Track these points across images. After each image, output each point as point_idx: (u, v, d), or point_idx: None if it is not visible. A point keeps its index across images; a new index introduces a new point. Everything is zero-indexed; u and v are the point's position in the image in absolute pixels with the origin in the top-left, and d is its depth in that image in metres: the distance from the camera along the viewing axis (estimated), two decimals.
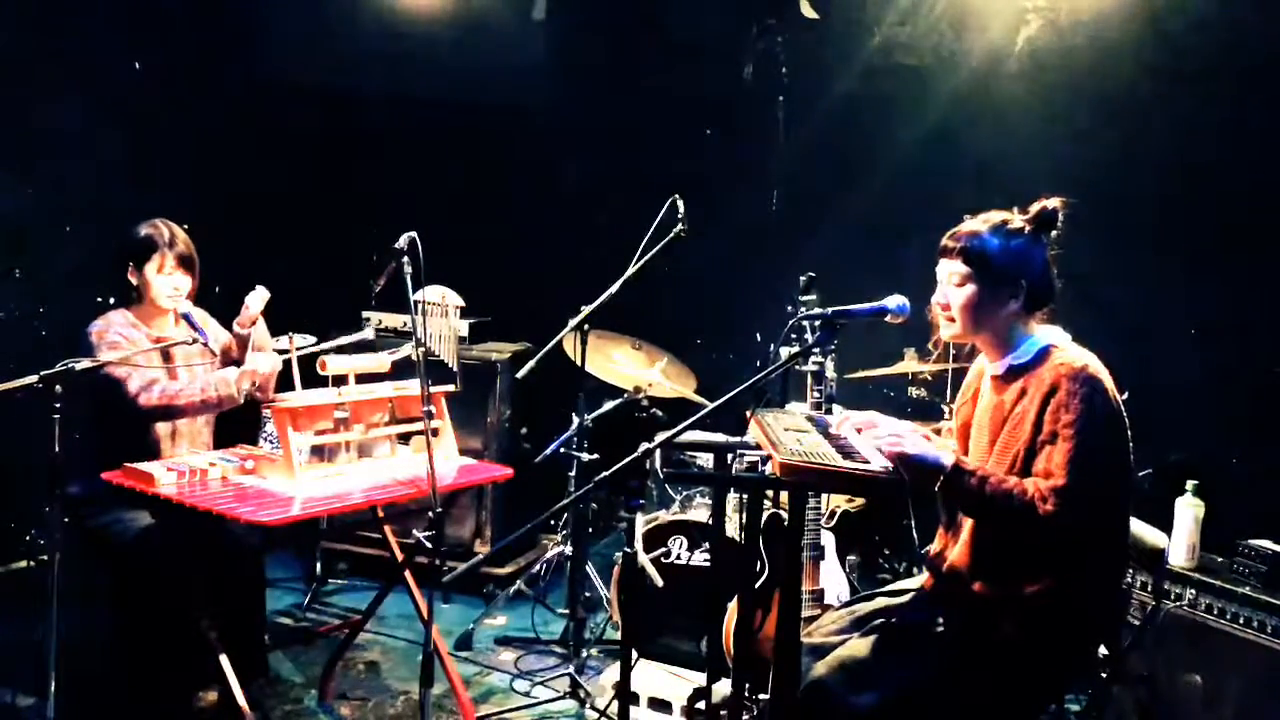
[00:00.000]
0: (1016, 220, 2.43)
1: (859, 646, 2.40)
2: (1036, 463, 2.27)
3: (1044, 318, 2.45)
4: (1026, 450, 2.30)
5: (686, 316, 5.07)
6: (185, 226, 3.42)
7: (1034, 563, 2.31)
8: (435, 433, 3.10)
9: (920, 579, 2.66)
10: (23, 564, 4.22)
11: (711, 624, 3.24)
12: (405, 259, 2.96)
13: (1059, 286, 2.44)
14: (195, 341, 3.23)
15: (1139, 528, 2.68)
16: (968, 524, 2.43)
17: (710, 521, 3.65)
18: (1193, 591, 3.25)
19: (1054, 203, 2.42)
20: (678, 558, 3.79)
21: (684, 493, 4.04)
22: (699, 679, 3.56)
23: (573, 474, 4.05)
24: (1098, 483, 2.22)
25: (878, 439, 2.33)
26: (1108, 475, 2.25)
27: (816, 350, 3.00)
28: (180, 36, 4.68)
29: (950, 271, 2.42)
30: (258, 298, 3.34)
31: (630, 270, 3.68)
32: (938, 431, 2.76)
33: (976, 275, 2.39)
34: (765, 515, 2.70)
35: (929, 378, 4.31)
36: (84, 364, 2.98)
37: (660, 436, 2.51)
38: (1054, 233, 2.43)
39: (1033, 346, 2.39)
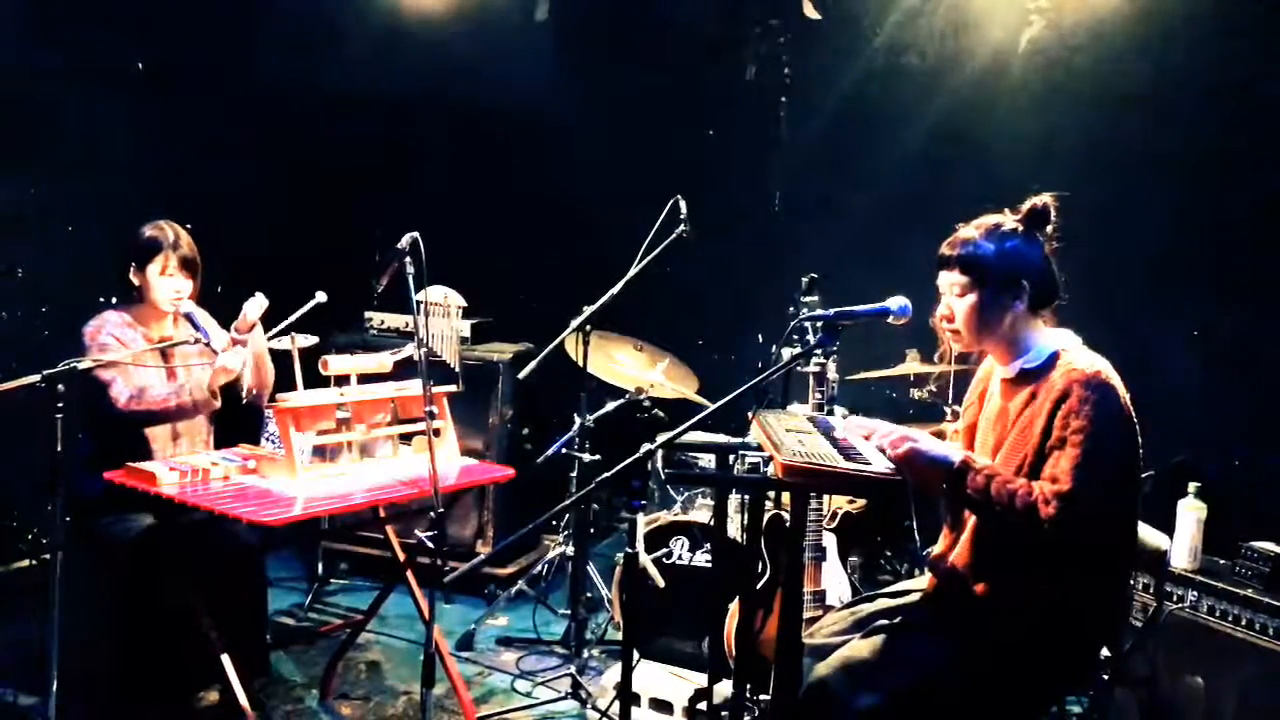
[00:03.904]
0: (1009, 221, 2.42)
1: (860, 647, 2.40)
2: (1045, 468, 2.26)
3: (1053, 318, 2.44)
4: (1035, 455, 2.29)
5: (688, 317, 5.07)
6: (188, 226, 3.43)
7: (1037, 565, 2.31)
8: (437, 433, 3.10)
9: (922, 580, 2.66)
10: (25, 563, 4.23)
11: (713, 625, 3.24)
12: (407, 259, 2.97)
13: (1063, 281, 2.44)
14: (197, 341, 3.24)
15: (1141, 530, 2.67)
16: (970, 525, 2.43)
17: (712, 522, 3.65)
18: (1195, 593, 3.25)
19: (1044, 199, 2.41)
20: (679, 558, 3.79)
21: (685, 493, 4.05)
22: (700, 680, 3.56)
23: (574, 474, 4.05)
24: (1103, 490, 2.21)
25: (885, 438, 2.33)
26: (1115, 482, 2.24)
27: (818, 351, 2.99)
28: (183, 37, 4.68)
29: (950, 283, 2.42)
30: (255, 305, 3.33)
31: (632, 271, 3.69)
32: (940, 434, 2.76)
33: (976, 283, 2.38)
34: (767, 516, 2.70)
35: (932, 384, 4.31)
36: (85, 363, 2.99)
37: (662, 437, 2.51)
38: (1049, 228, 2.43)
39: (1043, 351, 2.38)
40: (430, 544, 2.82)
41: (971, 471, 2.25)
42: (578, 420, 3.91)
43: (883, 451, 2.30)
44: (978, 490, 2.24)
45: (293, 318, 3.36)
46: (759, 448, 2.65)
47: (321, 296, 3.39)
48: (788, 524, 2.45)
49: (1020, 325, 2.40)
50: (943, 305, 2.46)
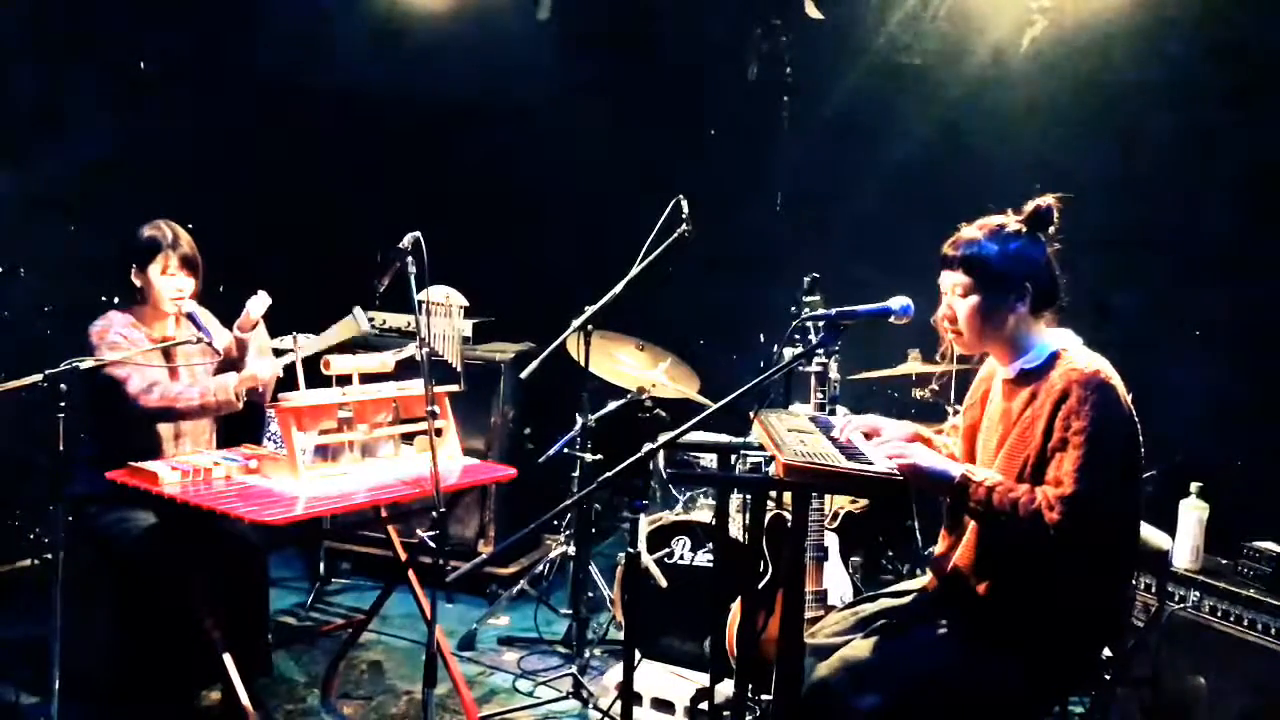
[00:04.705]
0: (1012, 222, 2.41)
1: (862, 647, 2.40)
2: (1048, 470, 2.26)
3: (1053, 319, 2.43)
4: (1036, 456, 2.29)
5: (690, 317, 5.07)
6: (189, 226, 3.42)
7: (1038, 564, 2.31)
8: (439, 433, 3.10)
9: (923, 580, 2.66)
10: (27, 562, 4.23)
11: (715, 624, 3.24)
12: (409, 258, 2.96)
13: (1064, 283, 2.43)
14: (200, 341, 3.23)
15: (1143, 530, 2.67)
16: (972, 525, 2.43)
17: (714, 522, 3.65)
18: (1196, 593, 3.25)
19: (1048, 200, 2.41)
20: (681, 558, 3.79)
21: (687, 493, 4.04)
22: (702, 679, 3.56)
23: (576, 474, 4.05)
24: (1106, 490, 2.21)
25: (884, 448, 2.34)
26: (1117, 482, 2.24)
27: (820, 351, 2.99)
28: (184, 35, 4.68)
29: (953, 283, 2.41)
30: (258, 303, 3.33)
31: (634, 270, 3.68)
32: (940, 432, 2.76)
33: (979, 284, 2.38)
34: (769, 516, 2.70)
35: (934, 383, 4.30)
36: (88, 363, 2.98)
37: (664, 437, 2.51)
38: (1052, 229, 2.42)
39: (1043, 351, 2.38)
40: (432, 543, 2.82)
41: (972, 485, 2.26)
42: (580, 420, 3.91)
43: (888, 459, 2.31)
44: (980, 502, 2.25)
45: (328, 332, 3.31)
46: (761, 447, 2.65)
47: (359, 311, 3.35)
48: (789, 524, 2.45)
49: (1022, 326, 2.39)
50: (944, 306, 2.45)
